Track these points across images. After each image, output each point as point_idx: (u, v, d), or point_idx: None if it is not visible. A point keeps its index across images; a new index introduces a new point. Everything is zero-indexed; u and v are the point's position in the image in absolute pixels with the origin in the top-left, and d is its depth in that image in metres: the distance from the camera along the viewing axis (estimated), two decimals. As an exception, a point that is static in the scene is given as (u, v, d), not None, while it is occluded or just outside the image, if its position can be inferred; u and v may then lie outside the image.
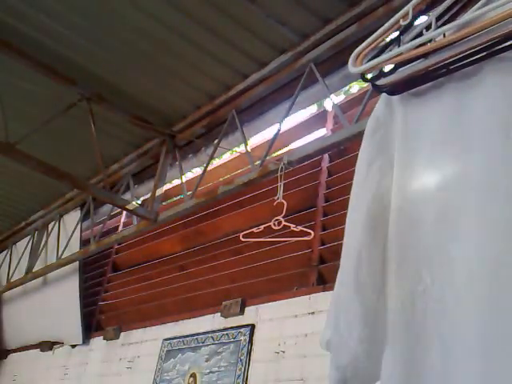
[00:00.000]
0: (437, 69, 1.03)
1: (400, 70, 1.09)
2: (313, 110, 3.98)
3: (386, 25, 1.14)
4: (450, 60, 1.01)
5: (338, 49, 2.72)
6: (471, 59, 0.98)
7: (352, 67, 1.16)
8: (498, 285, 0.80)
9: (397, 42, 1.12)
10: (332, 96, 2.84)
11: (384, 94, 1.14)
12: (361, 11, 2.54)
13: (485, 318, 0.80)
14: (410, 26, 1.11)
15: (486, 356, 0.79)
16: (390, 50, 1.12)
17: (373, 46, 1.15)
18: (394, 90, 1.09)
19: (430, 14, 1.08)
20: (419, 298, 0.92)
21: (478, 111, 0.95)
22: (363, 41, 2.66)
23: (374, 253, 1.07)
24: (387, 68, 1.13)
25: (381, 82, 1.12)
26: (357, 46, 2.83)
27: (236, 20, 2.71)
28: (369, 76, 1.14)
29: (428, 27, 1.06)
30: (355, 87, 6.29)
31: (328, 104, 3.64)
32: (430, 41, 1.04)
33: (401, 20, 1.11)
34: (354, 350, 1.06)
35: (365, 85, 5.45)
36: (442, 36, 1.03)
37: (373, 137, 1.17)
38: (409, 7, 1.08)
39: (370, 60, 1.14)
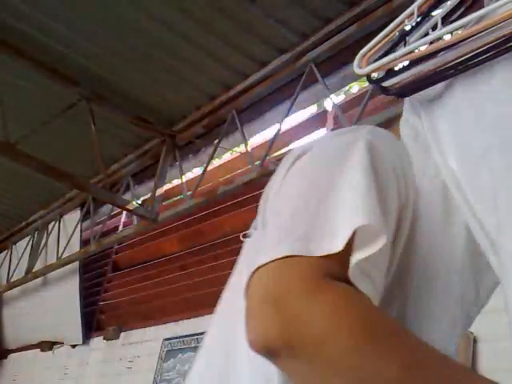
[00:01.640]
0: (446, 68, 1.03)
1: (407, 70, 1.09)
2: (313, 110, 3.98)
3: (391, 25, 1.13)
4: (461, 59, 1.00)
5: (338, 49, 2.72)
6: (482, 57, 0.97)
7: (357, 69, 1.15)
8: None
9: (402, 42, 1.11)
10: (332, 96, 2.84)
11: (407, 99, 1.14)
12: (360, 11, 2.54)
13: None
14: (415, 26, 1.11)
15: None
16: (396, 51, 1.12)
17: (378, 47, 1.15)
18: (403, 91, 1.08)
19: (435, 14, 1.08)
20: None
21: (489, 107, 0.94)
22: (363, 41, 2.66)
23: None
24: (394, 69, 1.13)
25: (388, 83, 1.11)
26: (357, 46, 2.83)
27: (236, 20, 2.71)
28: (375, 77, 1.13)
29: (434, 27, 1.06)
30: (355, 87, 6.29)
31: (328, 104, 3.64)
32: (438, 40, 1.04)
33: (406, 20, 1.10)
34: None
35: (365, 85, 5.45)
36: (449, 35, 1.02)
37: (416, 142, 1.16)
38: (414, 7, 1.07)
39: (375, 61, 1.13)
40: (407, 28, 1.10)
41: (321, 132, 3.62)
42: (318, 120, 3.65)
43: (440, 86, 1.08)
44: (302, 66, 2.85)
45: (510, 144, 0.88)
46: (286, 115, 2.98)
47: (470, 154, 0.98)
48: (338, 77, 2.82)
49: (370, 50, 1.16)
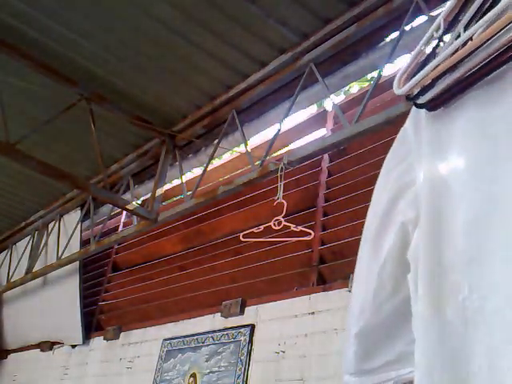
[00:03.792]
0: (467, 77, 1.03)
1: (436, 84, 1.09)
2: (313, 110, 3.99)
3: (422, 41, 1.14)
4: (478, 67, 1.00)
5: (338, 49, 2.72)
6: (492, 64, 0.97)
7: (397, 89, 1.17)
8: None
9: (433, 55, 1.11)
10: (332, 96, 2.84)
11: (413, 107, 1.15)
12: (360, 11, 2.54)
13: None
14: (441, 38, 1.11)
15: None
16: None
17: (414, 65, 1.15)
18: (433, 105, 1.09)
19: (458, 24, 1.08)
20: (459, 308, 0.92)
21: (503, 122, 0.95)
22: (363, 41, 2.66)
23: (373, 264, 1.14)
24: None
25: (422, 99, 1.11)
26: (357, 46, 2.83)
27: (236, 20, 2.71)
28: (412, 95, 1.14)
29: (458, 37, 1.06)
30: (355, 87, 6.30)
31: (328, 104, 3.64)
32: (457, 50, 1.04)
33: (434, 33, 1.10)
34: (348, 354, 1.16)
35: (365, 85, 5.45)
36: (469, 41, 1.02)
37: (400, 147, 1.19)
38: (440, 19, 1.08)
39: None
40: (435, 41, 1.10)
41: (321, 132, 3.62)
42: (318, 120, 3.65)
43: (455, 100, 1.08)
44: (302, 66, 2.85)
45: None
46: (286, 115, 2.98)
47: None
48: (338, 77, 2.82)
49: (407, 69, 1.17)
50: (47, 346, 4.93)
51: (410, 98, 1.12)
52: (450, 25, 1.11)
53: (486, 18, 0.96)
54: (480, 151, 0.97)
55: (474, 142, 0.99)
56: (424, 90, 1.10)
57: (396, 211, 1.11)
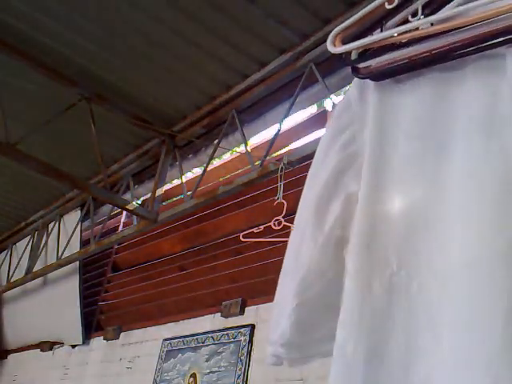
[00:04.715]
0: (421, 58, 1.01)
1: (381, 55, 1.07)
2: (313, 110, 3.99)
3: (369, 7, 1.11)
4: (437, 51, 0.99)
5: (338, 49, 2.71)
6: (458, 52, 0.96)
7: (331, 47, 1.13)
8: (476, 282, 0.81)
9: (379, 26, 1.09)
10: (332, 96, 2.84)
11: (356, 78, 1.12)
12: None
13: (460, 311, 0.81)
14: (393, 10, 1.08)
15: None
16: (371, 34, 1.10)
17: (353, 28, 1.13)
18: (376, 76, 1.07)
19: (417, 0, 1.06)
20: (385, 283, 0.92)
21: (458, 108, 0.94)
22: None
23: (317, 233, 1.09)
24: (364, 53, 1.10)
25: (360, 66, 1.09)
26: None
27: (236, 20, 2.71)
28: (349, 57, 1.11)
29: (414, 14, 1.04)
30: (355, 87, 6.30)
31: (328, 104, 3.64)
32: (416, 29, 1.02)
33: (386, 3, 1.07)
34: (284, 324, 1.10)
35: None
36: (429, 25, 1.00)
37: (340, 117, 1.16)
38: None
39: (349, 42, 1.11)
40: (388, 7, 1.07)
41: (321, 132, 3.62)
42: (318, 120, 3.65)
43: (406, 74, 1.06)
44: (302, 66, 2.85)
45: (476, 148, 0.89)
46: (286, 115, 2.98)
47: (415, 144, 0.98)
48: (338, 77, 2.82)
49: (345, 29, 1.14)
50: (47, 346, 4.93)
51: (347, 61, 1.10)
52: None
53: (470, 5, 0.94)
54: (430, 132, 0.96)
55: (424, 122, 0.98)
56: (363, 57, 1.08)
57: (341, 182, 1.09)
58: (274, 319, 1.17)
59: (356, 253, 0.96)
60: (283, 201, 2.50)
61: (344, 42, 1.12)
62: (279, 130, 3.01)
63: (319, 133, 3.65)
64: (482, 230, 0.83)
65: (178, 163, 3.66)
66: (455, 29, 0.96)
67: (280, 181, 2.60)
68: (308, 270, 1.09)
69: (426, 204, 0.92)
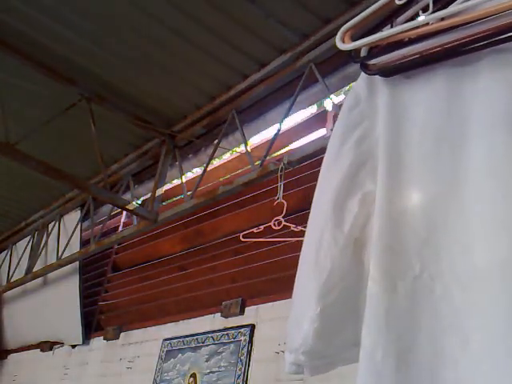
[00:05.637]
0: (433, 53, 1.00)
1: (391, 52, 1.06)
2: (313, 110, 3.99)
3: (379, 3, 1.10)
4: (450, 45, 0.98)
5: (338, 49, 2.71)
6: (471, 46, 0.95)
7: (340, 43, 1.13)
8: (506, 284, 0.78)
9: (389, 22, 1.08)
10: (332, 96, 2.84)
11: (364, 75, 1.11)
12: (361, 11, 2.53)
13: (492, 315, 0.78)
14: (403, 6, 1.07)
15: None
16: (381, 31, 1.09)
17: (362, 24, 1.12)
18: (385, 72, 1.05)
19: None
20: (408, 286, 0.89)
21: (474, 104, 0.92)
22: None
23: (337, 234, 1.05)
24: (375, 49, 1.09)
25: (370, 63, 1.08)
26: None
27: (236, 20, 2.71)
28: (360, 55, 1.10)
29: (425, 9, 1.03)
30: (355, 87, 6.30)
31: (328, 104, 3.64)
32: (426, 24, 1.01)
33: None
34: (306, 331, 1.06)
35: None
36: (439, 19, 0.99)
37: (350, 113, 1.14)
38: None
39: (359, 38, 1.10)
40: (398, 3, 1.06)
41: (321, 132, 3.62)
42: (318, 120, 3.65)
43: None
44: (302, 66, 2.85)
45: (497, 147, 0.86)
46: (286, 115, 2.98)
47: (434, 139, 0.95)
48: (338, 77, 2.82)
49: (355, 26, 1.13)
50: (47, 346, 4.93)
51: (357, 58, 1.09)
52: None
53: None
54: (446, 129, 0.94)
55: (439, 118, 0.96)
56: (373, 53, 1.06)
57: (357, 179, 1.06)
58: (292, 324, 1.12)
59: (378, 256, 0.93)
60: (283, 201, 2.50)
61: (353, 39, 1.11)
62: (279, 130, 3.01)
63: (319, 133, 3.65)
64: (509, 231, 0.80)
65: (177, 163, 3.66)
66: (467, 23, 0.94)
67: (280, 181, 2.60)
68: (330, 273, 1.04)
69: (446, 204, 0.89)
